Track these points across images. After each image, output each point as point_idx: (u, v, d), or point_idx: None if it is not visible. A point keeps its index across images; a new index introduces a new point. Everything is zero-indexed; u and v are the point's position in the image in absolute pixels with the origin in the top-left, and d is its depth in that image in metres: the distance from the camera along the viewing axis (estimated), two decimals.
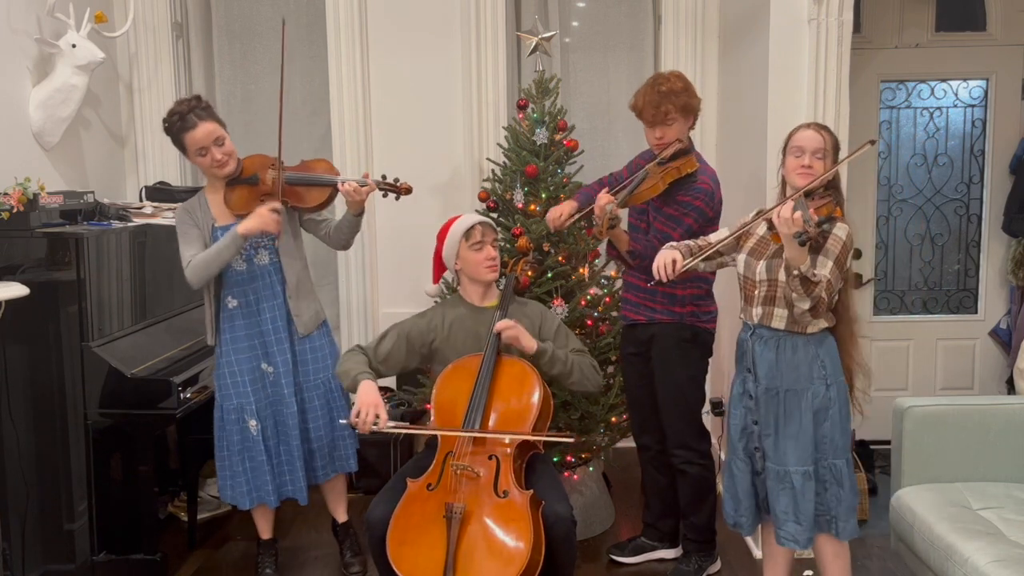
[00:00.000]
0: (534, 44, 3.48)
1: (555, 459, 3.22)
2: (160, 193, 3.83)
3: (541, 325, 2.84)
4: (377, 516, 2.47)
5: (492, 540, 2.35)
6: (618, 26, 4.27)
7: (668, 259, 2.39)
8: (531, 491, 2.44)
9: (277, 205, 2.75)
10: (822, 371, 2.37)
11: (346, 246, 3.05)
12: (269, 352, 2.91)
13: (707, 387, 3.09)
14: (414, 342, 2.81)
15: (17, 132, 3.26)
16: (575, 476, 3.36)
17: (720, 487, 3.47)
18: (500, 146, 3.60)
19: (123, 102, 4.15)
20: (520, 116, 3.51)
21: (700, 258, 2.44)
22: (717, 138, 4.12)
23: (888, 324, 4.40)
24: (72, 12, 3.39)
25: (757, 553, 3.14)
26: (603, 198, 2.69)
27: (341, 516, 3.19)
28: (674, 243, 2.54)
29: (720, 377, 3.68)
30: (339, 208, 3.13)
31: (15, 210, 2.83)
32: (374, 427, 2.52)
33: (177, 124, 2.77)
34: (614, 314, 3.41)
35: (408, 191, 2.95)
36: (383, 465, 3.81)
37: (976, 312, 4.40)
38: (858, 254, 4.25)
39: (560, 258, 3.35)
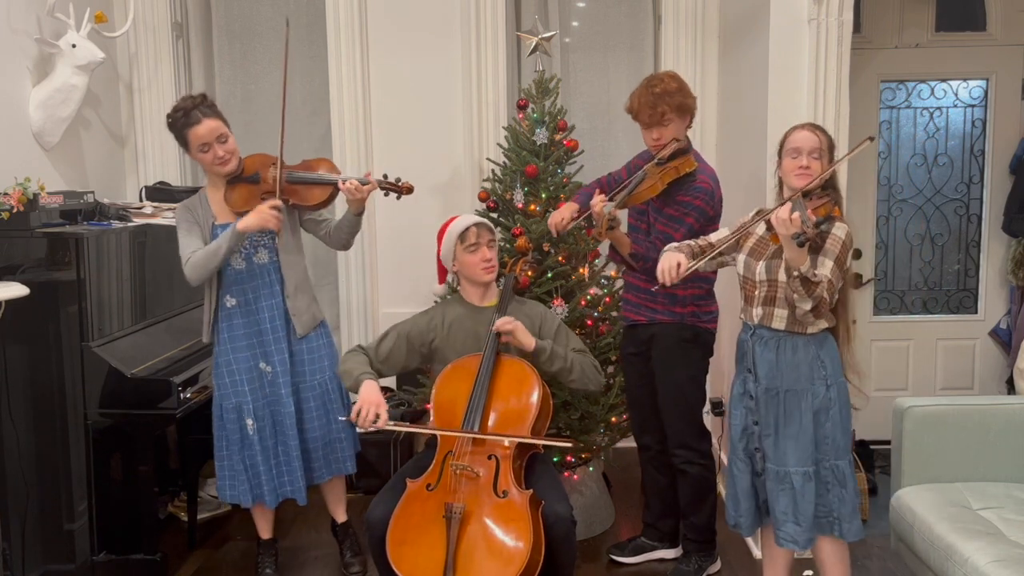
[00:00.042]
0: (534, 44, 3.48)
1: (555, 459, 3.22)
2: (160, 193, 3.83)
3: (541, 325, 2.84)
4: (377, 516, 2.47)
5: (492, 540, 2.35)
6: (618, 26, 4.27)
7: (672, 262, 2.37)
8: (531, 491, 2.44)
9: (277, 203, 2.75)
10: (822, 371, 2.37)
11: (346, 246, 3.05)
12: (267, 351, 2.91)
13: (707, 387, 3.09)
14: (414, 342, 2.81)
15: (17, 132, 3.26)
16: (575, 476, 3.36)
17: (720, 487, 3.47)
18: (500, 146, 3.60)
19: (123, 102, 4.15)
20: (520, 116, 3.51)
21: (704, 260, 2.43)
22: (717, 138, 4.13)
23: (888, 324, 4.39)
24: (72, 12, 3.39)
25: (757, 553, 3.14)
26: (596, 203, 2.69)
27: (341, 516, 3.19)
28: (676, 244, 2.53)
29: (720, 377, 3.68)
30: (339, 209, 3.14)
31: (15, 210, 2.83)
32: (373, 425, 2.53)
33: (181, 120, 2.77)
34: (614, 314, 3.41)
35: (410, 191, 2.95)
36: (383, 465, 3.81)
37: (976, 312, 4.40)
38: (858, 254, 4.25)
39: (560, 258, 3.35)
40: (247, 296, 2.90)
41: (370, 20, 4.12)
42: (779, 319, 2.38)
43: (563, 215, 2.96)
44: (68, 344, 2.89)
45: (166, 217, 3.43)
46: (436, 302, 3.01)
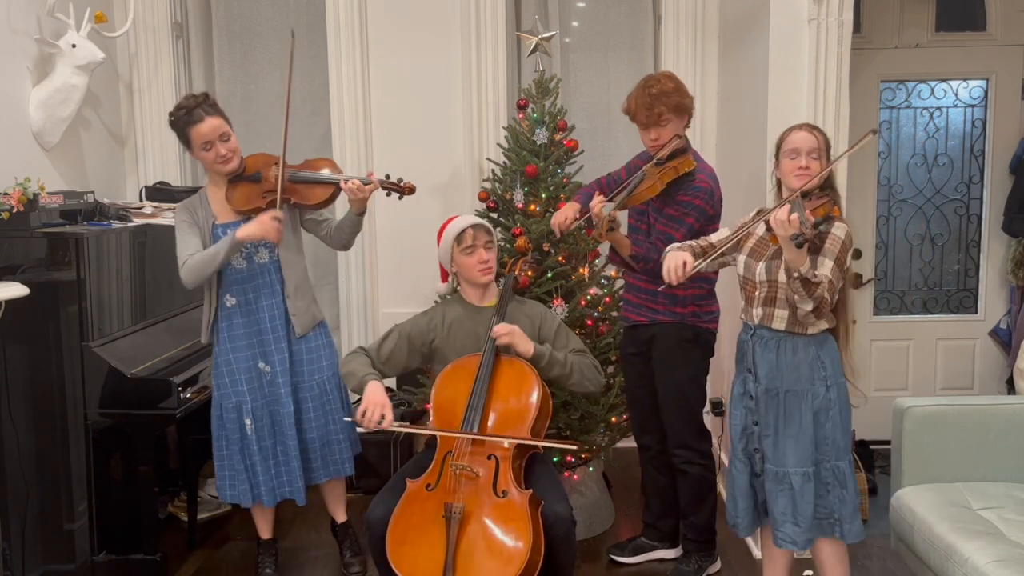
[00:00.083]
0: (534, 44, 3.48)
1: (555, 459, 3.22)
2: (160, 193, 3.83)
3: (541, 325, 2.84)
4: (377, 516, 2.47)
5: (491, 540, 2.35)
6: (618, 26, 4.27)
7: (678, 261, 2.36)
8: (530, 491, 2.44)
9: (279, 214, 2.75)
10: (822, 372, 2.37)
11: (347, 246, 3.05)
12: (267, 351, 2.91)
13: (707, 387, 3.09)
14: (415, 342, 2.82)
15: (17, 132, 3.26)
16: (575, 476, 3.36)
17: (721, 487, 3.47)
18: (500, 146, 3.60)
19: (123, 102, 4.15)
20: (520, 116, 3.51)
21: (706, 260, 2.43)
22: (717, 138, 4.13)
23: (888, 324, 4.39)
24: (72, 12, 3.39)
25: (757, 553, 3.14)
26: (596, 205, 2.69)
27: (340, 516, 3.19)
28: (678, 244, 2.53)
29: (720, 377, 3.68)
30: (339, 210, 3.14)
31: (15, 210, 2.83)
32: (379, 425, 2.53)
33: (184, 117, 2.77)
34: (614, 314, 3.41)
35: (412, 191, 2.95)
36: (383, 465, 3.81)
37: (976, 312, 4.40)
38: (858, 254, 4.25)
39: (560, 258, 3.35)
40: (247, 296, 2.90)
41: (370, 20, 4.12)
42: (779, 320, 2.38)
43: (566, 215, 2.96)
44: (68, 344, 2.89)
45: (166, 217, 3.43)
46: (436, 302, 3.01)
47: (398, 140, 4.16)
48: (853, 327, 2.51)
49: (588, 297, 3.35)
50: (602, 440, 3.39)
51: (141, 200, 3.75)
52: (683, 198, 2.79)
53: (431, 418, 2.66)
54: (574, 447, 2.64)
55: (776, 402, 2.40)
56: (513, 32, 4.12)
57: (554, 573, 2.46)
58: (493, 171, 3.58)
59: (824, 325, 2.38)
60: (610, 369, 3.37)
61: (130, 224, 3.24)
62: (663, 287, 2.46)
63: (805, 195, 2.31)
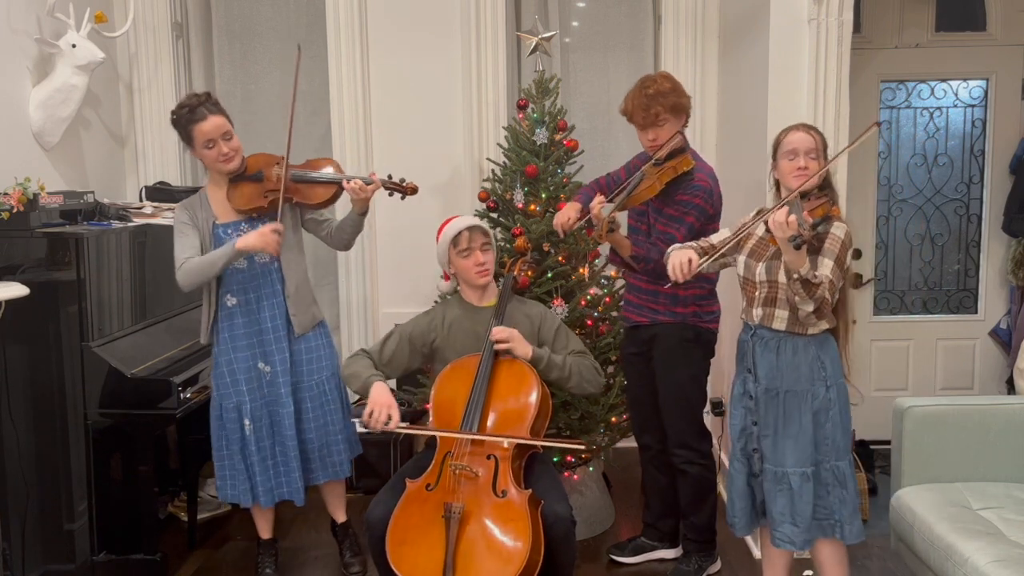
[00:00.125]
0: (534, 44, 3.48)
1: (555, 459, 3.22)
2: (160, 193, 3.83)
3: (541, 326, 2.84)
4: (376, 516, 2.47)
5: (491, 540, 2.35)
6: (618, 26, 4.27)
7: (684, 258, 2.36)
8: (530, 491, 2.44)
9: (280, 227, 2.75)
10: (822, 372, 2.37)
11: (347, 246, 3.05)
12: (267, 351, 2.91)
13: (708, 387, 3.08)
14: (416, 342, 2.82)
15: (17, 132, 3.26)
16: (575, 476, 3.36)
17: (721, 487, 3.47)
18: (500, 146, 3.60)
19: (123, 102, 4.15)
20: (520, 116, 3.51)
21: (713, 257, 2.42)
22: (717, 138, 4.13)
23: (888, 324, 4.39)
24: (72, 12, 3.39)
25: (757, 553, 3.14)
26: (595, 205, 2.69)
27: (340, 516, 3.18)
28: (679, 245, 2.53)
29: (720, 377, 3.68)
30: (340, 211, 3.14)
31: (15, 210, 2.83)
32: (386, 426, 2.53)
33: (187, 115, 2.77)
34: (614, 314, 3.41)
35: (414, 191, 2.96)
36: (383, 465, 3.81)
37: (976, 312, 4.40)
38: (858, 254, 4.25)
39: (560, 258, 3.35)
40: (248, 296, 2.90)
41: (370, 20, 4.12)
42: (779, 320, 2.38)
43: (569, 215, 2.96)
44: (68, 344, 2.89)
45: (166, 217, 3.43)
46: (436, 302, 3.01)
47: (398, 140, 4.16)
48: (853, 327, 2.51)
49: (588, 297, 3.35)
50: (602, 440, 3.38)
51: (141, 200, 3.75)
52: (682, 197, 2.79)
53: (430, 418, 2.66)
54: (576, 447, 2.63)
55: (776, 402, 2.40)
56: (513, 32, 4.12)
57: (554, 573, 2.46)
58: (493, 171, 3.58)
59: (824, 325, 2.38)
60: (610, 369, 3.37)
61: (130, 224, 3.24)
62: (668, 285, 2.45)
63: (804, 195, 2.31)
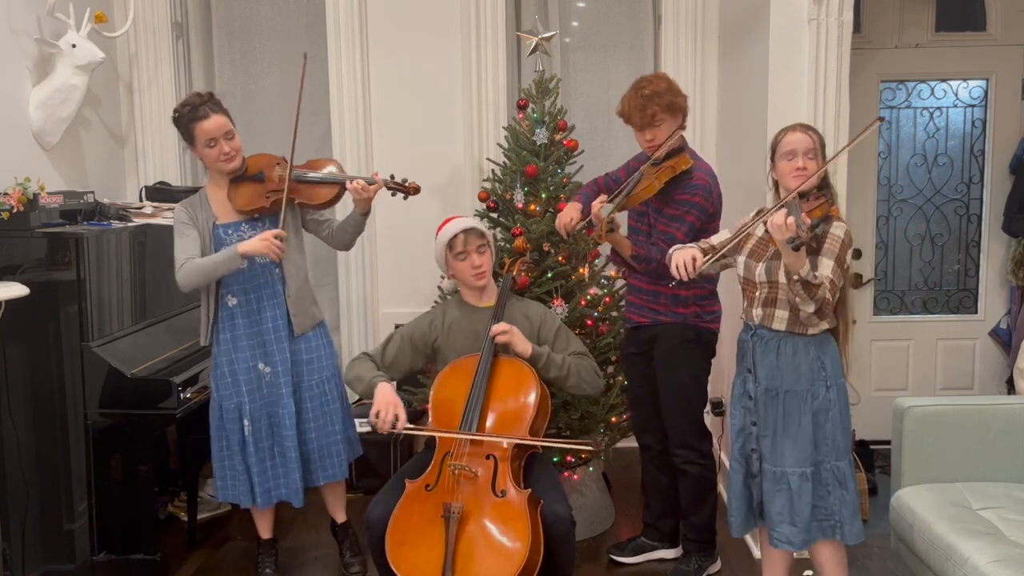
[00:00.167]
0: (534, 44, 3.48)
1: (555, 459, 3.22)
2: (160, 193, 3.83)
3: (541, 326, 2.84)
4: (376, 516, 2.47)
5: (490, 539, 2.35)
6: (618, 26, 4.27)
7: (688, 256, 2.35)
8: (529, 490, 2.44)
9: (283, 233, 2.74)
10: (822, 372, 2.37)
11: (348, 246, 3.05)
12: (267, 352, 2.90)
13: (708, 387, 3.08)
14: (417, 343, 2.82)
15: (17, 132, 3.26)
16: (575, 476, 3.36)
17: (721, 487, 3.47)
18: (500, 146, 3.60)
19: (123, 102, 4.15)
20: (520, 116, 3.51)
21: (716, 256, 2.42)
22: (717, 138, 4.12)
23: (888, 324, 4.39)
24: (72, 12, 3.39)
25: (757, 553, 3.14)
26: (595, 206, 2.69)
27: (340, 516, 3.18)
28: (680, 245, 2.52)
29: (721, 377, 3.68)
30: (340, 211, 3.14)
31: (15, 210, 2.83)
32: (393, 428, 2.53)
33: (189, 114, 2.76)
34: (614, 314, 3.41)
35: (416, 191, 2.96)
36: (383, 465, 3.81)
37: (976, 312, 4.40)
38: (858, 254, 4.25)
39: (560, 258, 3.35)
40: (249, 296, 2.89)
41: (370, 20, 4.12)
42: (779, 320, 2.38)
43: (571, 216, 2.96)
44: (68, 344, 2.89)
45: (166, 217, 3.43)
46: (437, 302, 3.01)
47: (398, 140, 4.16)
48: (853, 327, 2.51)
49: (588, 297, 3.35)
50: (602, 440, 3.38)
51: (141, 200, 3.75)
52: (682, 197, 2.79)
53: (430, 418, 2.66)
54: (575, 447, 2.63)
55: (776, 402, 2.40)
56: (513, 32, 4.11)
57: (554, 573, 2.46)
58: (493, 171, 3.58)
59: (825, 325, 2.38)
60: (610, 369, 3.37)
61: (130, 224, 3.24)
62: (672, 284, 2.45)
63: (802, 195, 2.31)
